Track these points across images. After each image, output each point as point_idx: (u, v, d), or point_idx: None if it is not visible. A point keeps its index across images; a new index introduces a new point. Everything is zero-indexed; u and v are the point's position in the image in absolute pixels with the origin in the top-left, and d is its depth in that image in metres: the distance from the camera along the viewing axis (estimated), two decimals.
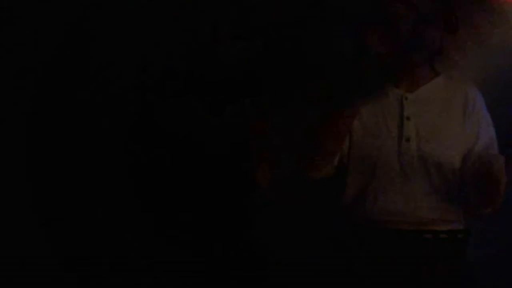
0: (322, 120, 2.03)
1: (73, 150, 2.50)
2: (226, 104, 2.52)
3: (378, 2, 2.04)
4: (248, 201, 2.50)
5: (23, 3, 2.49)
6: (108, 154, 2.50)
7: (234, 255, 2.47)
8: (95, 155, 2.50)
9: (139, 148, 2.51)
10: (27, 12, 2.49)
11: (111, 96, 2.51)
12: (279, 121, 2.34)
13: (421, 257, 1.87)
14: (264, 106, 2.49)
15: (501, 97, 2.51)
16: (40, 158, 2.49)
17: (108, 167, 2.50)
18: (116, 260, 2.47)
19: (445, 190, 2.06)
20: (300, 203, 2.44)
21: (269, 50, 2.44)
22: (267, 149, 2.41)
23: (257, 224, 2.49)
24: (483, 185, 1.92)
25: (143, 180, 2.51)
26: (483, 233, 1.92)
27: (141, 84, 2.52)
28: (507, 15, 2.40)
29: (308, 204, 2.40)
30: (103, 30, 2.51)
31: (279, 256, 2.45)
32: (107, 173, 2.50)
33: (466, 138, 2.08)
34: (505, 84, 2.54)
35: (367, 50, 2.00)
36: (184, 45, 2.52)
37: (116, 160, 2.50)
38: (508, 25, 2.35)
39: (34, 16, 2.49)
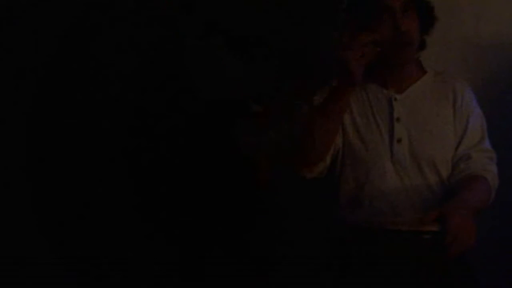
0: (316, 113, 2.03)
1: (73, 150, 2.50)
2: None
3: None
4: (248, 202, 2.50)
5: (23, 3, 2.49)
6: (108, 154, 2.50)
7: (234, 255, 2.47)
8: (95, 155, 2.51)
9: (139, 148, 2.51)
10: (27, 12, 2.49)
11: (111, 96, 2.51)
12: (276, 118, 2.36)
13: (420, 257, 1.87)
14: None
15: (501, 97, 2.52)
16: (40, 158, 2.50)
17: (108, 167, 2.50)
18: (116, 260, 2.47)
19: (441, 188, 2.06)
20: (300, 203, 2.44)
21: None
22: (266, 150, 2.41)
23: (257, 224, 2.49)
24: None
25: (143, 180, 2.51)
26: (483, 233, 1.91)
27: (141, 84, 2.52)
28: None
29: (308, 204, 2.40)
30: (103, 30, 2.51)
31: (279, 256, 2.45)
32: (107, 173, 2.50)
33: (457, 134, 2.08)
34: (505, 84, 2.54)
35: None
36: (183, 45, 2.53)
37: (116, 160, 2.50)
38: None
39: (34, 16, 2.49)
